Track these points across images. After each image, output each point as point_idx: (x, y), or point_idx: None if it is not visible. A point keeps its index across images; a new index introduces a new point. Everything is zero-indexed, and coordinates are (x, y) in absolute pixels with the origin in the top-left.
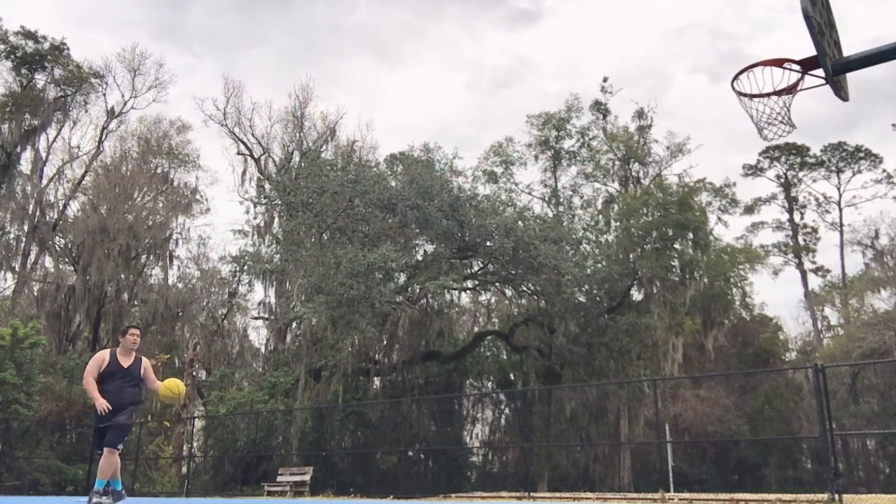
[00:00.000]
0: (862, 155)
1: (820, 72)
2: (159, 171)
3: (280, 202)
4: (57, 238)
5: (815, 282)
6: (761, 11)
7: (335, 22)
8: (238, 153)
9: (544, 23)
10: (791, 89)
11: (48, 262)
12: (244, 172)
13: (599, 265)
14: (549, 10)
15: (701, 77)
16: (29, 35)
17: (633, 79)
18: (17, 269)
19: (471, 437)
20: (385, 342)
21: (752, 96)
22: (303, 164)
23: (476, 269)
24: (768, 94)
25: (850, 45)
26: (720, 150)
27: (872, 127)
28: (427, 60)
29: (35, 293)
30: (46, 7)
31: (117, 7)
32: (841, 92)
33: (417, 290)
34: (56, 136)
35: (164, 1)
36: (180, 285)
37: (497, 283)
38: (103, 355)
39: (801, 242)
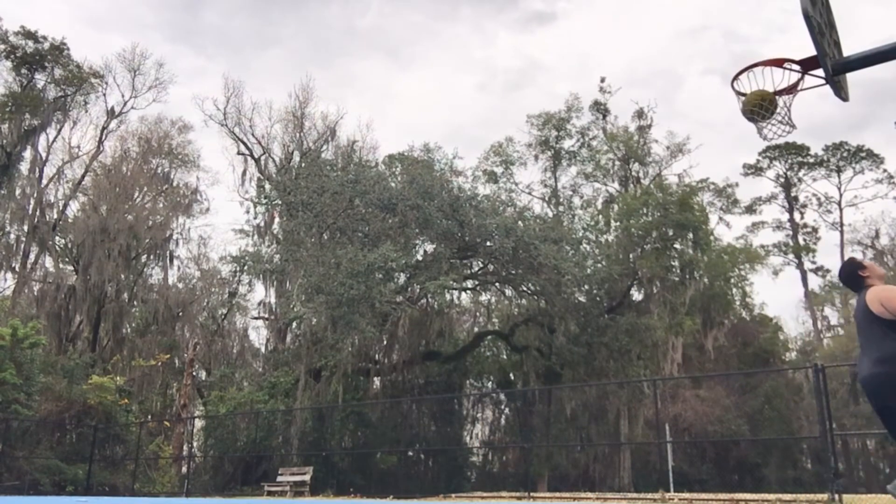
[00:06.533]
0: (863, 155)
1: (820, 72)
2: (160, 171)
3: (280, 202)
4: (57, 238)
5: (815, 282)
6: (776, 14)
7: (348, 23)
8: (238, 153)
9: (557, 24)
10: (791, 89)
11: (48, 262)
12: (244, 172)
13: (599, 265)
14: (562, 12)
15: (713, 78)
16: (29, 35)
17: (644, 80)
18: (17, 269)
19: (471, 437)
20: (385, 342)
21: None
22: (303, 164)
23: (476, 269)
24: None
25: (860, 46)
26: (729, 150)
27: (882, 128)
28: (439, 62)
29: (35, 293)
30: (59, 8)
31: (132, 9)
32: (841, 92)
33: (417, 290)
34: (56, 136)
35: (179, 3)
36: (180, 285)
37: (497, 283)
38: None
39: (802, 242)
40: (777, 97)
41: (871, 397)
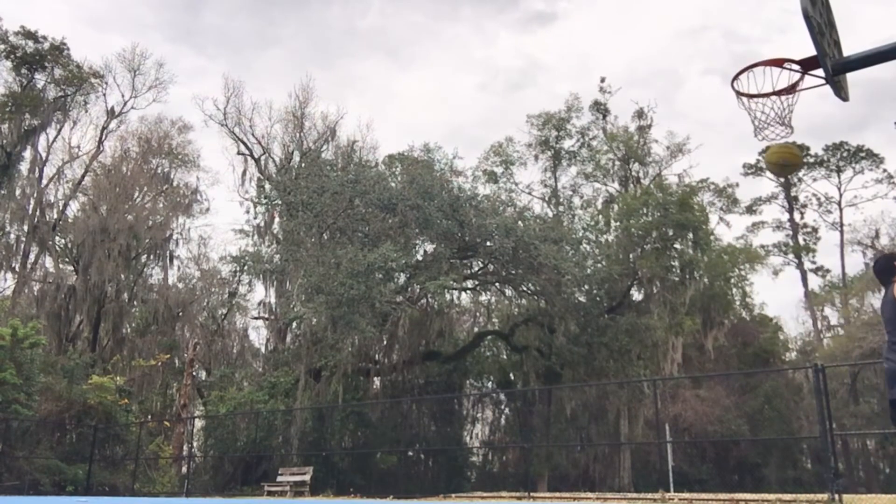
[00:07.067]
0: (863, 155)
1: (820, 72)
2: (160, 171)
3: (280, 202)
4: (57, 238)
5: (815, 282)
6: (776, 13)
7: (349, 23)
8: (238, 153)
9: (558, 24)
10: (791, 89)
11: (48, 262)
12: (244, 172)
13: (599, 265)
14: (563, 13)
15: (713, 78)
16: (29, 35)
17: (644, 80)
18: (17, 269)
19: (471, 437)
20: (385, 342)
21: (751, 96)
22: (303, 164)
23: (476, 269)
24: (768, 94)
25: (860, 46)
26: (729, 150)
27: (882, 128)
28: (440, 62)
29: (35, 293)
30: (59, 8)
31: (132, 9)
32: (841, 92)
33: (417, 290)
34: (56, 136)
35: (179, 3)
36: (180, 285)
37: (497, 283)
38: None
39: (802, 242)
40: (798, 152)
41: (893, 387)
